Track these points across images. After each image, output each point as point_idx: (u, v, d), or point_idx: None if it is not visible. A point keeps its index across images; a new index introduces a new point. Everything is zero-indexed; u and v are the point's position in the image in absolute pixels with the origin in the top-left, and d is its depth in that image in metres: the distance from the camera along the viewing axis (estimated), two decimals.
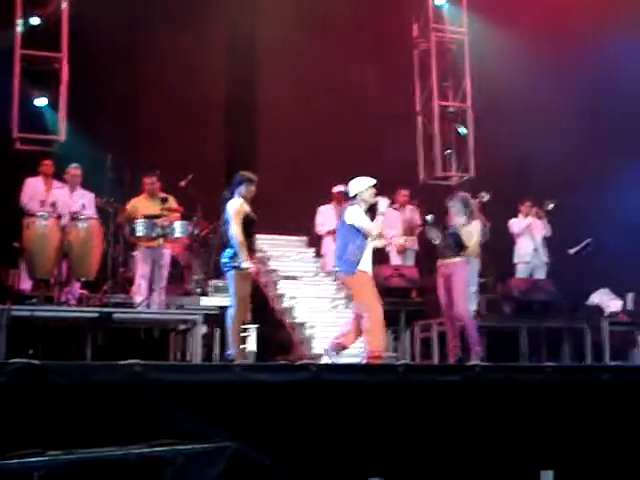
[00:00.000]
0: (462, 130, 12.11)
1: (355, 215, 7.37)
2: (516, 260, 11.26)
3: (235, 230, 6.96)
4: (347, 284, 7.61)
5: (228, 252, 7.06)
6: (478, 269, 10.72)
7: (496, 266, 11.33)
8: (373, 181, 7.54)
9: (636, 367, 6.53)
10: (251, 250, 7.15)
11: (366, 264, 7.41)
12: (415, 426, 3.70)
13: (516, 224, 11.24)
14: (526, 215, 11.21)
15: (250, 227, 7.16)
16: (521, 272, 11.16)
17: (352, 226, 7.35)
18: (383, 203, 7.57)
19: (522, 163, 12.58)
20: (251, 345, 8.94)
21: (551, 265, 11.19)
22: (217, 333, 8.99)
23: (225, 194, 7.27)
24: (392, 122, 13.04)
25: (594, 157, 11.87)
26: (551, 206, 11.01)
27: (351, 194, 7.54)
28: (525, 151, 12.48)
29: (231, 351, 7.02)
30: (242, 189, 7.20)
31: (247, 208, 7.15)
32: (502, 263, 11.39)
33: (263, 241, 11.48)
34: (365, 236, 7.36)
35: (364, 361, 7.21)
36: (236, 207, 7.05)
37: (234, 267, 6.97)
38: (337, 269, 7.61)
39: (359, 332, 7.41)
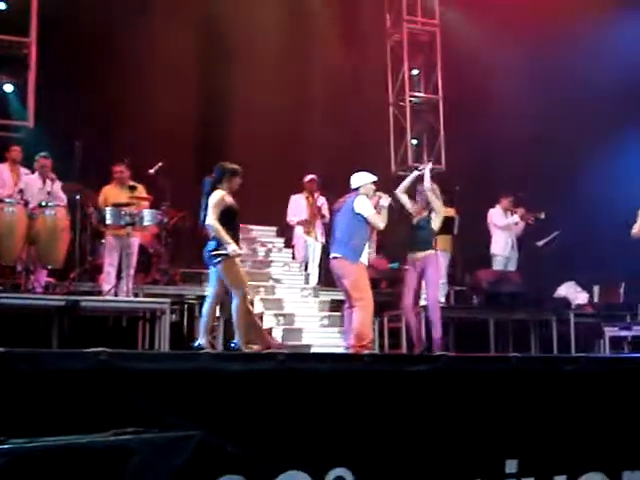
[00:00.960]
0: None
1: (364, 205, 7.52)
2: (494, 252, 11.27)
3: (211, 220, 6.93)
4: (345, 271, 7.52)
5: (211, 244, 7.04)
6: (447, 261, 10.81)
7: (465, 258, 11.40)
8: (374, 177, 7.80)
9: (601, 358, 6.60)
10: (235, 241, 7.12)
11: (364, 256, 7.59)
12: (381, 416, 3.71)
13: (499, 217, 11.21)
14: (505, 209, 11.21)
15: (233, 218, 7.16)
16: (497, 264, 11.20)
17: (360, 215, 7.49)
18: (385, 198, 7.72)
19: (492, 155, 12.66)
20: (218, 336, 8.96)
21: (519, 257, 11.27)
22: (185, 321, 8.97)
23: (205, 183, 7.24)
24: (364, 113, 13.06)
25: (563, 151, 11.98)
26: (543, 215, 11.07)
27: (353, 186, 7.71)
28: (495, 143, 12.57)
29: (236, 340, 7.08)
30: (225, 181, 7.17)
31: (229, 200, 7.12)
32: (471, 255, 11.46)
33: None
34: (369, 226, 7.53)
35: (350, 350, 7.29)
36: (215, 200, 7.02)
37: (221, 256, 6.94)
38: (337, 255, 7.55)
39: None
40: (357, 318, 7.37)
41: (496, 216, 11.24)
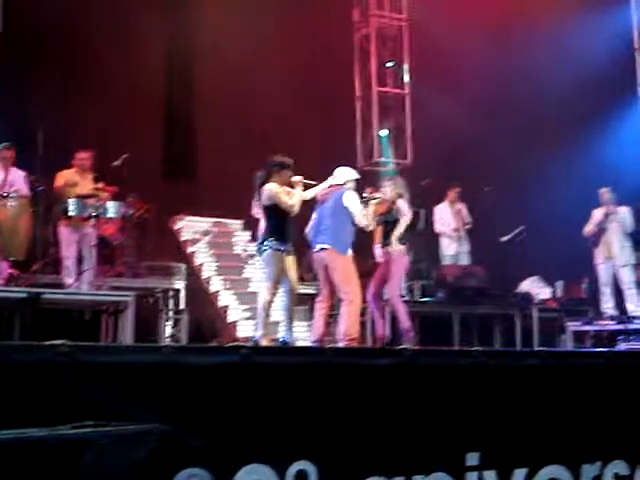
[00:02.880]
0: None
1: (353, 200, 7.50)
2: (441, 252, 11.34)
3: (290, 202, 7.10)
4: (333, 262, 7.45)
5: (264, 233, 7.25)
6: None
7: (430, 252, 11.46)
8: (357, 175, 7.81)
9: (562, 352, 6.68)
10: (284, 234, 7.19)
11: (351, 248, 7.56)
12: (344, 409, 3.71)
13: (437, 222, 11.26)
14: (452, 201, 11.28)
15: (282, 212, 7.19)
16: (447, 262, 11.24)
17: (347, 209, 7.47)
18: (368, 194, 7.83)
19: (458, 150, 12.72)
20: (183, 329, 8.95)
21: (482, 252, 11.32)
22: (149, 315, 8.91)
23: (259, 177, 7.27)
24: (332, 107, 13.06)
25: (528, 147, 12.07)
26: (470, 225, 11.16)
27: (340, 181, 7.68)
28: (461, 139, 12.63)
29: (258, 333, 7.13)
30: (275, 175, 7.22)
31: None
32: (435, 249, 11.51)
33: (200, 223, 11.48)
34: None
35: (340, 344, 7.28)
36: (275, 189, 7.13)
37: (268, 247, 7.10)
38: (325, 246, 7.47)
39: (328, 320, 7.63)
40: (345, 313, 7.37)
41: (437, 217, 11.25)
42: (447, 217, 11.20)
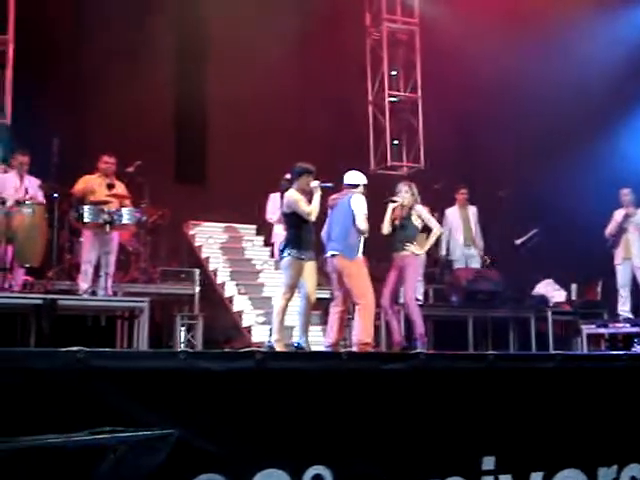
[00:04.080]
0: None
1: (360, 203, 7.51)
2: (449, 257, 11.31)
3: (308, 209, 7.09)
4: (345, 268, 7.47)
5: (285, 240, 7.26)
6: (424, 259, 10.80)
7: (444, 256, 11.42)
8: (366, 180, 7.82)
9: (577, 355, 6.65)
10: (305, 242, 7.18)
11: (361, 250, 7.56)
12: (359, 414, 3.72)
13: (452, 218, 11.28)
14: (461, 204, 11.26)
15: (302, 219, 7.20)
16: (456, 265, 11.21)
17: (353, 211, 7.51)
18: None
19: (472, 154, 12.70)
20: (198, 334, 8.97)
21: (496, 255, 11.25)
22: (164, 320, 8.93)
23: (283, 185, 7.35)
24: (344, 112, 13.07)
25: (542, 149, 12.03)
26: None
27: (353, 182, 7.71)
28: (476, 141, 12.61)
29: (272, 338, 7.13)
30: (296, 181, 7.26)
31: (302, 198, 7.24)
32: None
33: (213, 229, 11.51)
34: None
35: (354, 349, 7.28)
36: (295, 197, 7.15)
37: (288, 255, 7.11)
38: (334, 252, 7.52)
39: (343, 324, 7.64)
40: (359, 317, 7.38)
41: (447, 221, 11.22)
42: (456, 220, 11.20)
